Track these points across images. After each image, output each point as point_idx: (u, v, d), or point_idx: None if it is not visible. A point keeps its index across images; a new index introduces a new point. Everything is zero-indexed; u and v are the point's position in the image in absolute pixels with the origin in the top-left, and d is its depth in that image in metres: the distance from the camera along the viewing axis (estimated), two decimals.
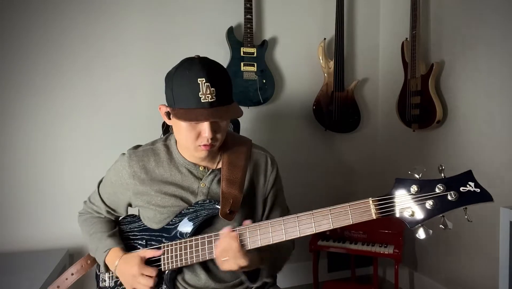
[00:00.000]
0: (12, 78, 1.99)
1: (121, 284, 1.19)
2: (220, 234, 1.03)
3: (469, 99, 2.01)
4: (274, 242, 0.99)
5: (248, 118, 2.36)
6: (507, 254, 1.57)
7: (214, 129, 1.05)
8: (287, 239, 0.99)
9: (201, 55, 1.09)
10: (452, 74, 2.10)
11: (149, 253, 1.13)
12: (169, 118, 1.12)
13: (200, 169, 1.17)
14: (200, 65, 1.03)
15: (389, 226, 2.14)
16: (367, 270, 2.67)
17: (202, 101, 1.00)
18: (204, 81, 1.00)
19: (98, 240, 1.20)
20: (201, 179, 1.16)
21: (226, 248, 1.00)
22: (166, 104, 1.11)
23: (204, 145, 1.06)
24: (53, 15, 2.03)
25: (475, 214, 1.92)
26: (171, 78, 1.05)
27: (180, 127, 1.06)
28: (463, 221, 2.21)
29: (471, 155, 1.99)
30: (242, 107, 2.25)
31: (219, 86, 1.02)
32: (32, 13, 2.00)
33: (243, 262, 0.99)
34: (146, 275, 1.09)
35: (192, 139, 1.06)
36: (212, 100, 1.00)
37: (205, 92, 1.00)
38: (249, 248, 1.00)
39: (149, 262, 1.13)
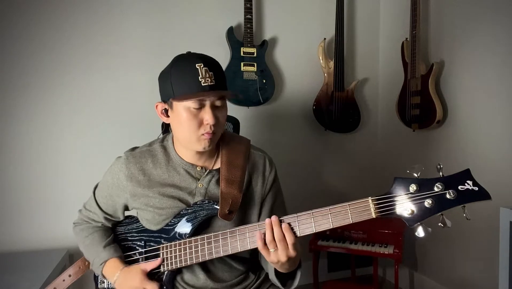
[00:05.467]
0: (13, 79, 1.99)
1: None
2: (266, 224, 0.97)
3: (469, 99, 2.01)
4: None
5: (248, 118, 2.36)
6: (507, 254, 1.57)
7: (215, 114, 1.06)
8: None
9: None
10: (452, 74, 2.10)
11: (150, 265, 1.10)
12: (167, 116, 1.12)
13: (198, 169, 1.16)
14: (195, 54, 1.08)
15: (389, 226, 2.14)
16: (367, 270, 2.67)
17: (203, 84, 1.02)
18: (202, 65, 1.03)
19: (94, 253, 1.18)
20: (198, 179, 1.15)
21: (278, 238, 0.95)
22: (163, 101, 1.11)
23: (207, 133, 1.06)
24: (54, 16, 2.03)
25: (475, 214, 1.93)
26: (168, 72, 1.07)
27: (181, 118, 1.06)
28: (463, 221, 2.21)
29: (471, 154, 1.99)
30: (242, 107, 2.29)
31: (216, 71, 1.05)
32: (33, 14, 2.00)
33: (294, 253, 0.95)
34: None
35: (194, 129, 1.06)
36: (212, 83, 1.03)
37: (204, 75, 1.03)
38: (299, 236, 0.97)
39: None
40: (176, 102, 1.06)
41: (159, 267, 1.12)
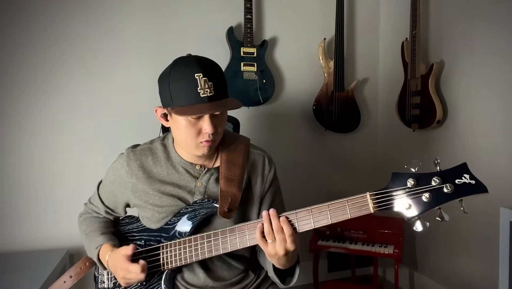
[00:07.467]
0: (12, 79, 2.00)
1: (119, 285, 1.19)
2: (263, 216, 0.97)
3: (469, 99, 2.01)
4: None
5: (248, 118, 2.36)
6: (507, 254, 1.57)
7: (214, 124, 1.05)
8: None
9: (198, 55, 1.09)
10: (452, 74, 2.10)
11: (128, 250, 1.08)
12: (166, 120, 1.12)
13: (197, 167, 1.17)
14: (195, 61, 1.04)
15: (389, 226, 2.14)
16: (367, 270, 2.67)
17: (201, 96, 1.01)
18: (202, 76, 1.01)
19: (92, 239, 1.20)
20: (197, 178, 1.16)
21: (276, 229, 0.95)
22: (162, 106, 1.10)
23: (206, 141, 1.06)
24: (53, 15, 2.03)
25: (475, 214, 1.93)
26: (167, 77, 1.05)
27: (180, 126, 1.06)
28: (463, 221, 2.20)
29: (471, 154, 1.99)
30: (242, 107, 2.28)
31: (216, 81, 1.03)
32: (32, 14, 2.00)
33: (292, 246, 0.95)
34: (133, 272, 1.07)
35: (193, 137, 1.06)
36: (211, 94, 1.01)
37: (203, 86, 1.01)
38: (298, 231, 0.98)
39: (149, 262, 1.13)
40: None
41: (158, 266, 1.13)
